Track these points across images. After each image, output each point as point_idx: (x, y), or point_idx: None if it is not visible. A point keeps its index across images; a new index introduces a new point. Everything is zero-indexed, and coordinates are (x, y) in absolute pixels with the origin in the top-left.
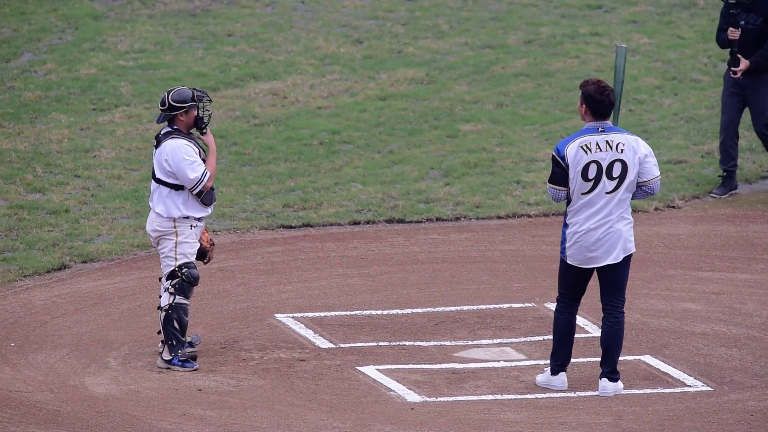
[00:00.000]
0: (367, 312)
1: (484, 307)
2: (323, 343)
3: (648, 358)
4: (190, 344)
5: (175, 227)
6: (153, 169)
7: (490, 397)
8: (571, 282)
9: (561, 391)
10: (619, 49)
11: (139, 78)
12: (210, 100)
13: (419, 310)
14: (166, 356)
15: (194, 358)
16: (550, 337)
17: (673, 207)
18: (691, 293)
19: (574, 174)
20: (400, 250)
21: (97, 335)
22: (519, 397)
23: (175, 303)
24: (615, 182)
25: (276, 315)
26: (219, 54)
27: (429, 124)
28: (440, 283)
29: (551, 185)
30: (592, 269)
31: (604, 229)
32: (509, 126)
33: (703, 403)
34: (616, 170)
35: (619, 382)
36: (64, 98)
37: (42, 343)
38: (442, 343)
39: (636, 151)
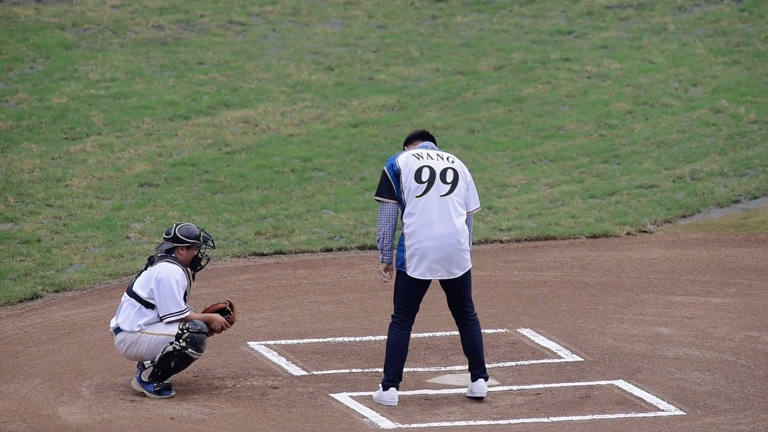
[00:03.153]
0: (340, 339)
1: (456, 333)
2: (296, 371)
3: (621, 383)
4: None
5: (141, 331)
6: (132, 283)
7: (464, 423)
8: (409, 295)
9: (391, 406)
10: None
11: (110, 107)
12: (213, 247)
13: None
14: (145, 377)
15: (169, 387)
16: (525, 362)
17: (645, 231)
18: (664, 317)
19: (407, 178)
20: (373, 276)
21: (70, 364)
22: (492, 422)
23: (185, 352)
24: (448, 186)
25: (248, 342)
26: (190, 82)
27: (401, 150)
28: None
29: (378, 198)
30: (428, 283)
31: (443, 242)
32: (481, 152)
33: (677, 427)
34: (449, 176)
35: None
36: (35, 128)
37: (15, 373)
38: (415, 369)
39: (463, 168)
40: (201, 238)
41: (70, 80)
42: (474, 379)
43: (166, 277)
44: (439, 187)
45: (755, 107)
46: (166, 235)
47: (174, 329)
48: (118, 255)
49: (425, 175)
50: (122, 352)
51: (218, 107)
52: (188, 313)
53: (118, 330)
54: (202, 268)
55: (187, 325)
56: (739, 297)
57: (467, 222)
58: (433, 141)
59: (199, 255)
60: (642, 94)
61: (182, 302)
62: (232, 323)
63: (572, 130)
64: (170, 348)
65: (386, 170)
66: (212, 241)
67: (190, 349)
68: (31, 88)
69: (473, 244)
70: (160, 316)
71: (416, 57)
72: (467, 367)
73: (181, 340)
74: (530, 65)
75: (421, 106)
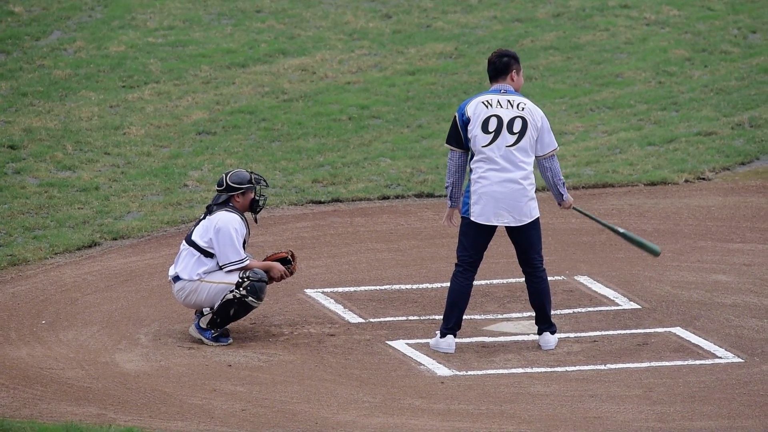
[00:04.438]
0: (397, 286)
1: (513, 280)
2: (353, 318)
3: (679, 330)
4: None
5: (201, 280)
6: (190, 232)
7: (520, 370)
8: (473, 242)
9: (448, 353)
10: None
11: (168, 55)
12: (267, 185)
13: (449, 284)
14: (203, 324)
15: (227, 334)
16: (582, 310)
17: (703, 179)
18: (722, 265)
19: (474, 126)
20: (430, 224)
21: (128, 312)
22: (549, 370)
23: (245, 300)
24: (515, 137)
25: (305, 290)
26: (248, 30)
27: (458, 98)
28: None
29: (448, 145)
30: (494, 229)
31: (509, 187)
32: (539, 99)
33: (734, 374)
34: (517, 126)
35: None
36: (93, 76)
37: (72, 321)
38: (472, 317)
39: (534, 114)
40: (253, 180)
41: (127, 28)
42: (540, 332)
43: (225, 226)
44: (505, 137)
45: None
46: (218, 186)
47: (234, 278)
48: (176, 203)
49: (492, 125)
50: (181, 300)
51: (275, 55)
52: (248, 261)
53: (177, 278)
54: (261, 208)
55: (247, 274)
56: None
57: (547, 165)
58: (514, 66)
59: (257, 197)
60: (701, 41)
61: (242, 251)
62: (292, 273)
63: (630, 78)
64: (230, 296)
65: (456, 117)
66: (265, 181)
67: (250, 298)
68: (89, 36)
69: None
70: (220, 264)
71: (474, 4)
72: (533, 318)
73: (241, 289)
74: (588, 12)
75: (479, 53)
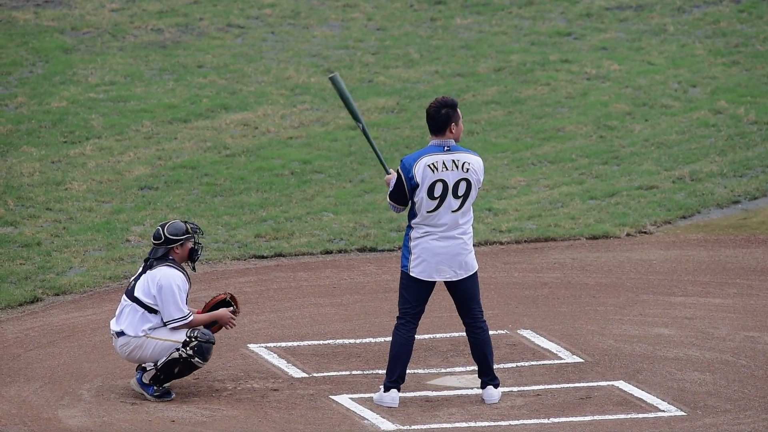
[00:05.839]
0: (340, 341)
1: (456, 334)
2: (296, 373)
3: (621, 384)
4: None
5: (146, 336)
6: (131, 285)
7: (464, 424)
8: (414, 296)
9: (392, 407)
10: (334, 77)
11: (110, 110)
12: (202, 233)
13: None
14: (146, 380)
15: (169, 391)
16: (525, 363)
17: (645, 232)
18: (664, 318)
19: (420, 191)
20: (373, 278)
21: (71, 368)
22: (493, 424)
23: (191, 360)
24: (459, 201)
25: (249, 345)
26: (190, 85)
27: (400, 152)
28: None
29: (391, 202)
30: (435, 282)
31: (450, 243)
32: (480, 154)
33: (677, 427)
34: (461, 189)
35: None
36: (35, 131)
37: (15, 376)
38: (416, 371)
39: (478, 172)
40: (190, 230)
41: (69, 84)
42: (483, 386)
43: (168, 283)
44: (450, 203)
45: (755, 108)
46: (155, 239)
47: (180, 335)
48: (118, 258)
49: (438, 190)
50: (124, 355)
51: (218, 110)
52: (191, 318)
53: (121, 333)
54: (199, 257)
55: (195, 333)
56: (739, 297)
57: None
58: (454, 118)
59: (194, 246)
60: (641, 95)
61: (184, 308)
62: (236, 314)
63: (572, 132)
64: (176, 354)
65: (402, 177)
66: (200, 229)
67: (196, 358)
68: (31, 92)
69: (474, 245)
70: (164, 321)
71: (415, 59)
72: (476, 372)
73: (188, 348)
74: (529, 67)
75: (421, 108)
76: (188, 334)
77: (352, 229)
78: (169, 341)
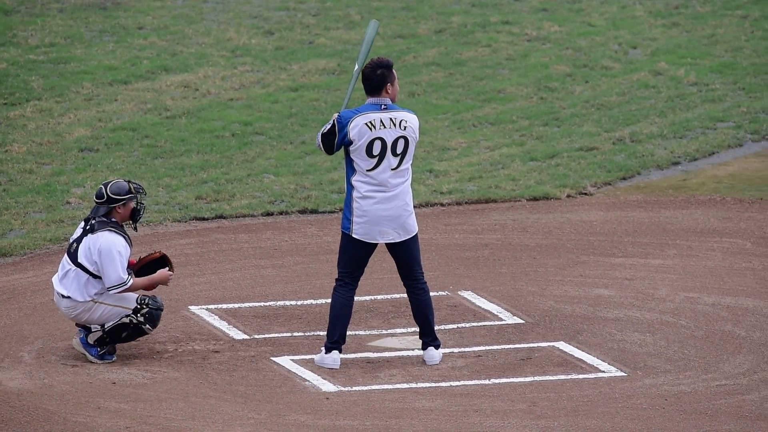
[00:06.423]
0: (281, 303)
1: (398, 296)
2: (237, 335)
3: (562, 345)
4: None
5: (94, 300)
6: (73, 248)
7: (405, 385)
8: (353, 257)
9: (333, 369)
10: (372, 23)
11: (50, 72)
12: (145, 194)
13: None
14: (91, 340)
15: (112, 351)
16: (466, 325)
17: (585, 194)
18: (604, 279)
19: (357, 149)
20: (314, 240)
21: (11, 330)
22: (434, 385)
23: (141, 326)
24: (398, 159)
25: (190, 307)
26: (130, 47)
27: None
28: None
29: (320, 142)
30: (376, 244)
31: (393, 204)
32: (421, 115)
33: (617, 388)
34: (400, 146)
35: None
36: None
37: None
38: (357, 332)
39: (415, 130)
40: (133, 190)
41: (8, 45)
42: (424, 347)
43: (107, 249)
44: (389, 160)
45: (695, 69)
46: (98, 198)
47: (130, 302)
48: (59, 220)
49: (377, 148)
50: (70, 316)
51: (158, 72)
52: (131, 282)
53: (67, 297)
54: (141, 217)
55: (147, 301)
56: (678, 258)
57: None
58: (389, 78)
59: (137, 206)
60: (582, 57)
61: (124, 274)
62: (172, 270)
63: (512, 93)
64: (126, 320)
65: (336, 129)
66: (143, 189)
67: (147, 325)
68: None
69: (414, 207)
70: (106, 287)
71: (356, 21)
72: (417, 333)
73: (139, 315)
74: (470, 28)
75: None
76: (138, 301)
77: (293, 191)
78: (120, 307)
